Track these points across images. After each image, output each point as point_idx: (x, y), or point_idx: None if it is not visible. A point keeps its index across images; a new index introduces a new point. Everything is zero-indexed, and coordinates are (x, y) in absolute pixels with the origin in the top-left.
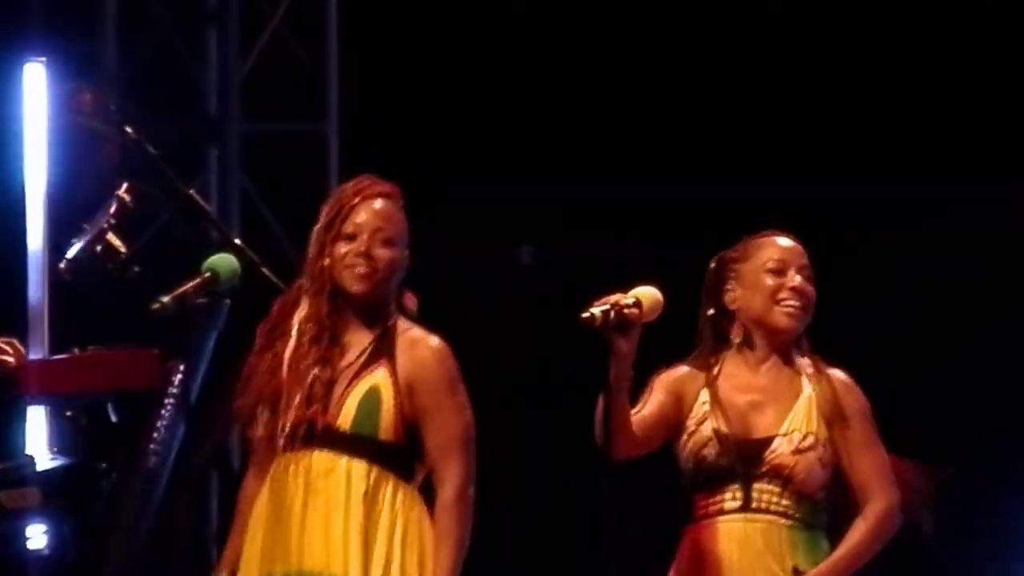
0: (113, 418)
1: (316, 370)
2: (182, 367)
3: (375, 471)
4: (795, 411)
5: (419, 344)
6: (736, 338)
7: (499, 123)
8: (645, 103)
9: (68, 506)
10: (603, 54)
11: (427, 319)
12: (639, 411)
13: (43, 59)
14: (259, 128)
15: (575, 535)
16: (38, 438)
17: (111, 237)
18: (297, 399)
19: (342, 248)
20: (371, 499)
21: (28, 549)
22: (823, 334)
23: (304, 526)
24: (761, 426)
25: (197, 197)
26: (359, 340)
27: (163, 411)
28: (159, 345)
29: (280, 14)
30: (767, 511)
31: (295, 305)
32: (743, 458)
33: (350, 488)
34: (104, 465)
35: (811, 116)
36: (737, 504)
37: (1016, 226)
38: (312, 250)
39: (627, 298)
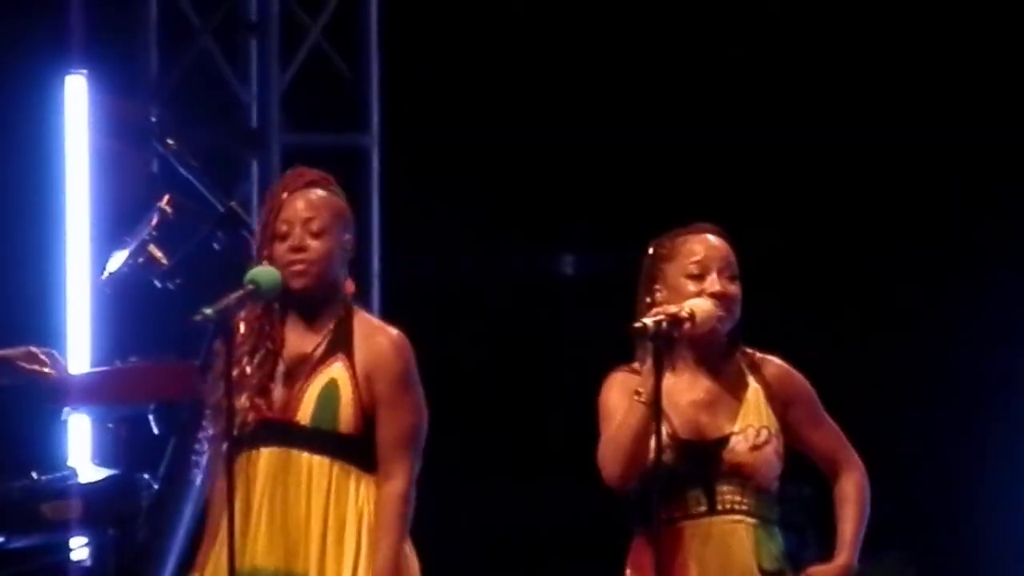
0: (155, 430)
1: (259, 369)
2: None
3: (336, 466)
4: (745, 406)
5: (377, 334)
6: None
7: (541, 136)
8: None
9: (110, 518)
10: (650, 81)
11: (468, 329)
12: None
13: (84, 72)
14: (299, 139)
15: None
16: (80, 450)
17: (152, 249)
18: (245, 397)
19: (279, 247)
20: (334, 495)
21: (70, 560)
22: None
23: (267, 523)
24: (714, 426)
25: (238, 208)
26: (315, 332)
27: (204, 423)
28: (200, 357)
29: (320, 25)
30: (732, 511)
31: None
32: (701, 461)
33: (311, 484)
34: (146, 477)
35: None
36: (703, 508)
37: None
38: (255, 254)
39: (682, 310)
